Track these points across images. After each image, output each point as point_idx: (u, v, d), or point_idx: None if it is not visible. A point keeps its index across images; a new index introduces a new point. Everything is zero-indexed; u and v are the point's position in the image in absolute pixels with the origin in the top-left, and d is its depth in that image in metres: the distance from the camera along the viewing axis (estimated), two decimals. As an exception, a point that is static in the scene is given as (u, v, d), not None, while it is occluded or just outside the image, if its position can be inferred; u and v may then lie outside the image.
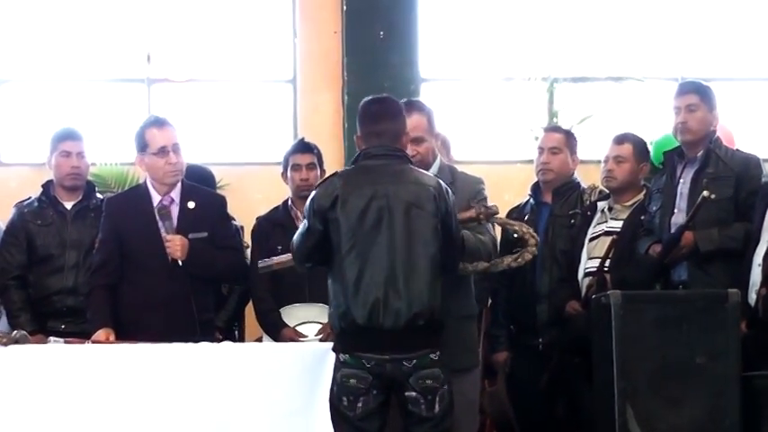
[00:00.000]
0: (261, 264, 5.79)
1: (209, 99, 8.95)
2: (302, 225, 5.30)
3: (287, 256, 5.64)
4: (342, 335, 5.16)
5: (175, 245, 5.90)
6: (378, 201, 5.11)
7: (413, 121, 5.63)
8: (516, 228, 5.68)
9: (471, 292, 5.73)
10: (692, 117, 6.23)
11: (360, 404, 5.07)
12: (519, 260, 5.54)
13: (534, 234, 5.65)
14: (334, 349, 5.17)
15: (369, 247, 5.09)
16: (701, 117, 6.25)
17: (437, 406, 5.07)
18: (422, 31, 8.86)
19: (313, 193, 5.28)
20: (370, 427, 5.10)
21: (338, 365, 5.13)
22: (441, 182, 5.28)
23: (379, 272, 5.07)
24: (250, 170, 8.60)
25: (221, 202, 6.33)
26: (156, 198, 6.06)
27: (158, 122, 6.11)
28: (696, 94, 6.29)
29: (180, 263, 5.91)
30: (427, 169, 5.57)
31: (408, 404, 5.08)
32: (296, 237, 5.33)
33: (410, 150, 5.58)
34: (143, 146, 6.05)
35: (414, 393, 5.06)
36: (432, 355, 5.09)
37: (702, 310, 5.52)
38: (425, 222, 5.13)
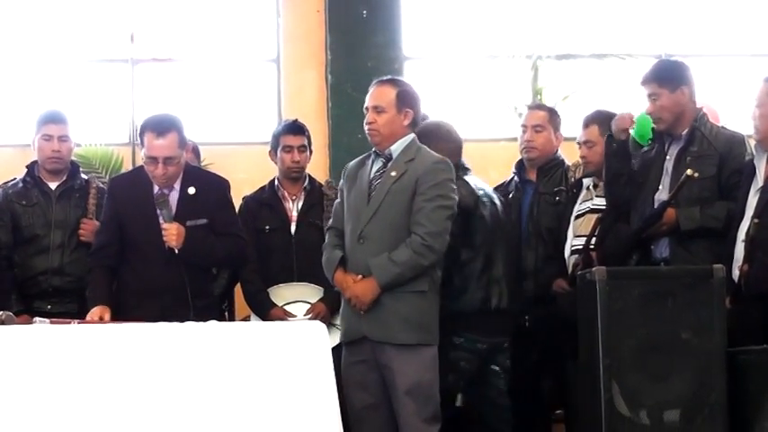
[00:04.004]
0: None
1: (192, 78, 8.91)
2: None
3: None
4: None
5: (171, 233, 5.83)
6: None
7: (378, 92, 5.82)
8: None
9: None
10: (657, 106, 6.05)
11: None
12: None
13: None
14: None
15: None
16: (665, 103, 6.05)
17: None
18: (404, 10, 8.83)
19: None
20: None
21: None
22: None
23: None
24: (234, 149, 8.58)
25: (224, 186, 6.17)
26: None
27: (158, 129, 5.85)
28: (653, 82, 6.09)
29: (176, 251, 5.86)
30: (387, 141, 5.75)
31: None
32: None
33: (368, 118, 5.72)
34: (141, 142, 5.93)
35: None
36: None
37: (687, 286, 5.53)
38: None
